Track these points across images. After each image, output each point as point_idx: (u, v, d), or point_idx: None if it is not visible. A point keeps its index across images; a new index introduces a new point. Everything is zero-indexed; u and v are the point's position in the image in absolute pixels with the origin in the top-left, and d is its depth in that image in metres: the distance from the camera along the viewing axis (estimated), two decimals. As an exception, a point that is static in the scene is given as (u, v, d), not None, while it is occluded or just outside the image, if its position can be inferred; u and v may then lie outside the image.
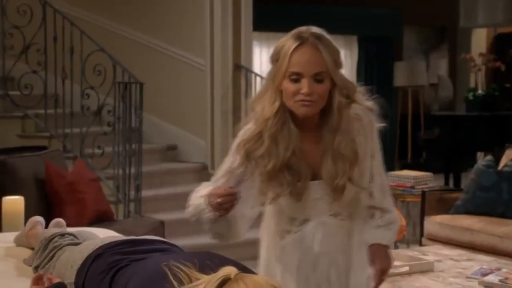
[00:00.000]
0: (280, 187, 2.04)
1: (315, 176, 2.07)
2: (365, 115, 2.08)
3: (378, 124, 2.11)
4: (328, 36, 2.03)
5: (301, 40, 1.99)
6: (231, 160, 2.10)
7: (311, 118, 2.05)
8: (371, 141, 2.08)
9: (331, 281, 2.12)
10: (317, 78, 1.98)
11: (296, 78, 1.98)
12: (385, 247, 2.09)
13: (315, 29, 2.02)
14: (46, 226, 2.94)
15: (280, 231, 2.16)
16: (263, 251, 2.24)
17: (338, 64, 2.03)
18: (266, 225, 2.22)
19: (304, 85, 1.97)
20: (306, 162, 2.05)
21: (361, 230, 2.13)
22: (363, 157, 2.06)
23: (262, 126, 2.03)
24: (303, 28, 2.03)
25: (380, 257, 2.07)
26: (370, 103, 2.11)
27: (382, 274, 2.06)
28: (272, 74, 2.04)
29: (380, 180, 2.11)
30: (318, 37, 2.00)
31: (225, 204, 1.96)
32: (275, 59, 2.03)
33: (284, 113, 2.03)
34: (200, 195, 2.07)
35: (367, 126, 2.08)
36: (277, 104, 2.02)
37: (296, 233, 2.13)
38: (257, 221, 2.20)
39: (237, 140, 2.11)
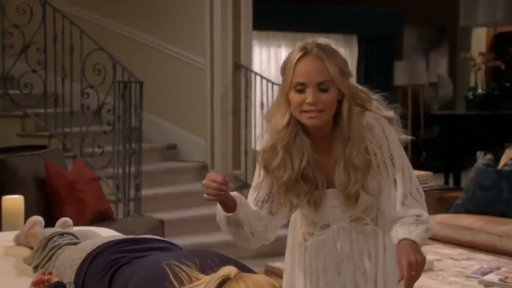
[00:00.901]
0: (297, 198, 2.06)
1: (330, 184, 2.08)
2: (377, 124, 2.05)
3: (395, 131, 2.07)
4: (334, 46, 2.04)
5: (305, 51, 2.00)
6: (257, 174, 2.12)
7: (323, 128, 2.05)
8: (386, 150, 2.05)
9: (359, 285, 2.12)
10: (322, 88, 1.98)
11: (301, 88, 1.99)
12: (413, 243, 1.97)
13: (320, 40, 2.03)
14: (48, 225, 2.94)
15: (303, 233, 2.18)
16: (288, 254, 2.26)
17: (345, 73, 2.02)
18: (291, 228, 2.25)
19: (309, 95, 1.98)
20: (320, 171, 2.06)
21: (389, 233, 2.11)
22: (377, 166, 2.05)
23: (275, 138, 2.05)
24: (309, 40, 2.04)
25: (406, 252, 1.95)
26: (389, 113, 2.09)
27: (410, 268, 1.92)
28: (282, 86, 2.06)
29: (404, 188, 2.04)
30: (322, 47, 2.00)
31: (209, 189, 1.94)
32: (283, 72, 2.05)
33: (296, 124, 2.04)
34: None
35: (380, 135, 2.05)
36: (287, 116, 2.04)
37: (318, 237, 2.15)
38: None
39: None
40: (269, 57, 8.14)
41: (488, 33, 9.78)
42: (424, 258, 1.99)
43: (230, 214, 2.01)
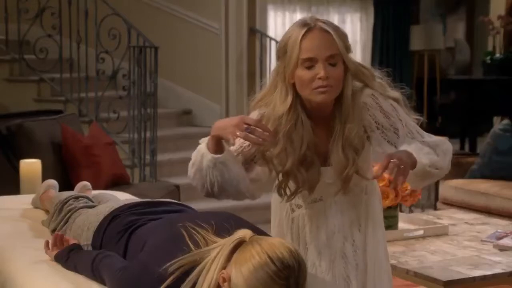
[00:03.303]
0: (296, 184, 2.01)
1: (325, 163, 2.03)
2: (373, 102, 2.00)
3: (400, 109, 2.01)
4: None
5: (308, 26, 1.94)
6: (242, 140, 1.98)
7: (324, 108, 2.00)
8: (388, 125, 2.00)
9: (347, 257, 2.10)
10: (331, 62, 1.93)
11: (310, 64, 1.93)
12: (411, 154, 1.89)
13: (318, 17, 1.99)
14: (65, 189, 2.97)
15: (291, 204, 2.13)
16: (274, 226, 2.20)
17: (348, 48, 1.98)
18: (276, 199, 2.17)
19: (320, 69, 1.92)
20: (317, 151, 2.02)
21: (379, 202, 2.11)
22: (378, 145, 2.01)
23: (275, 124, 1.98)
24: (305, 17, 1.99)
25: (396, 152, 1.88)
26: (394, 93, 2.04)
27: (394, 156, 1.84)
28: (281, 69, 1.98)
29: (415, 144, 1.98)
30: (324, 21, 1.96)
31: (257, 132, 1.84)
32: (282, 52, 1.97)
33: (297, 107, 1.98)
34: (198, 147, 1.98)
35: (378, 113, 2.00)
36: (289, 99, 1.97)
37: (307, 209, 2.11)
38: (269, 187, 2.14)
39: None
40: (284, 22, 8.09)
41: (507, -4, 9.61)
42: (411, 164, 1.88)
43: (218, 155, 1.91)
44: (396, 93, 2.04)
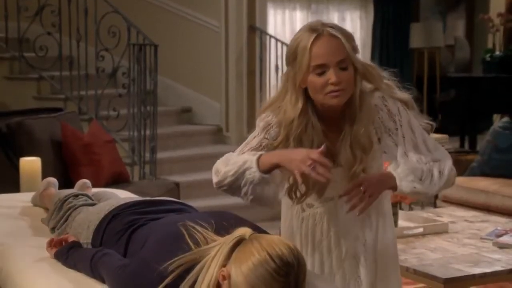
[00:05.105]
0: (306, 187, 2.04)
1: (334, 164, 2.04)
2: (382, 105, 2.02)
3: (408, 112, 2.03)
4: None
5: (317, 32, 1.96)
6: (260, 138, 2.05)
7: (334, 110, 2.02)
8: (394, 129, 2.02)
9: (359, 257, 2.11)
10: (341, 67, 1.96)
11: (321, 70, 1.95)
12: (393, 179, 1.98)
13: (324, 21, 2.01)
14: (65, 187, 2.97)
15: (302, 204, 2.14)
16: (284, 226, 2.21)
17: (355, 49, 2.00)
18: (287, 199, 2.18)
19: (331, 75, 1.94)
20: (327, 153, 2.01)
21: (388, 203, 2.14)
22: (381, 150, 2.04)
23: (287, 129, 2.01)
24: (312, 22, 2.01)
25: (375, 175, 1.98)
26: (403, 95, 2.05)
27: (363, 181, 1.93)
28: (292, 74, 2.00)
29: (418, 156, 2.02)
30: (332, 26, 1.98)
31: (320, 169, 1.87)
32: (292, 58, 1.99)
33: (307, 112, 2.01)
34: (242, 157, 2.01)
35: (386, 117, 2.03)
36: (300, 104, 2.00)
37: (318, 208, 2.12)
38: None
39: (262, 123, 2.06)
40: (284, 20, 8.08)
41: (507, -7, 9.60)
42: (390, 187, 1.99)
43: (267, 175, 1.95)
44: (405, 95, 2.06)
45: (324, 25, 1.97)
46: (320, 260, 2.12)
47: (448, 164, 2.05)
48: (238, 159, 2.00)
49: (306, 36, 1.96)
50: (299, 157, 1.90)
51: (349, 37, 1.99)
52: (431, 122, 2.10)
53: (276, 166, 1.95)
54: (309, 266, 2.06)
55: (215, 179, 2.04)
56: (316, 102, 2.01)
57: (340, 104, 1.99)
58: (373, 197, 1.95)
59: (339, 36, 1.96)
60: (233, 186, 2.00)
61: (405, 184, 1.99)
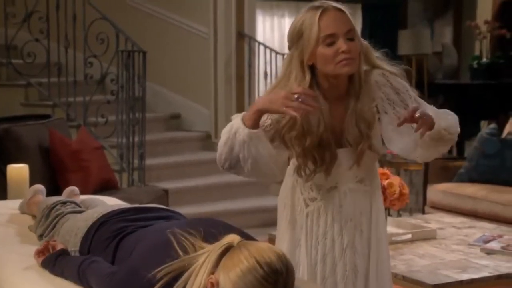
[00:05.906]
0: (314, 164, 2.08)
1: (340, 145, 2.10)
2: (384, 80, 2.09)
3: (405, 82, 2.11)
4: None
5: (322, 8, 2.03)
6: (264, 118, 2.05)
7: (341, 85, 2.08)
8: (399, 102, 2.09)
9: (356, 247, 2.16)
10: (349, 37, 2.02)
11: (331, 40, 2.01)
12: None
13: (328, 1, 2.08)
14: (53, 194, 2.96)
15: (304, 199, 2.18)
16: (283, 228, 2.22)
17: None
18: (287, 199, 2.21)
19: (341, 44, 2.01)
20: (333, 132, 2.09)
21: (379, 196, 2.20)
22: (390, 123, 2.07)
23: None
24: (312, 3, 2.07)
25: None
26: (394, 68, 2.13)
27: (416, 110, 1.94)
28: (297, 53, 2.05)
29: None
30: (335, 3, 2.07)
31: (307, 99, 1.90)
32: (297, 37, 2.05)
33: (314, 89, 2.05)
34: (229, 124, 2.03)
35: (389, 90, 2.09)
36: (307, 80, 2.04)
37: (321, 201, 2.15)
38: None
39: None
40: (272, 27, 8.10)
41: (494, 1, 9.67)
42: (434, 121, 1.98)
43: (255, 130, 1.97)
44: (395, 69, 2.14)
45: (326, 2, 2.06)
46: (323, 253, 2.15)
47: (455, 115, 2.14)
48: (226, 127, 2.03)
49: (311, 14, 2.03)
50: (281, 95, 1.92)
51: (350, 14, 2.07)
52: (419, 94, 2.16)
53: (259, 112, 1.97)
54: (311, 260, 2.13)
55: (217, 161, 2.05)
56: (322, 78, 2.05)
57: (351, 72, 2.05)
58: (430, 121, 1.96)
59: (344, 9, 2.06)
60: (231, 158, 1.99)
61: (440, 118, 2.03)
